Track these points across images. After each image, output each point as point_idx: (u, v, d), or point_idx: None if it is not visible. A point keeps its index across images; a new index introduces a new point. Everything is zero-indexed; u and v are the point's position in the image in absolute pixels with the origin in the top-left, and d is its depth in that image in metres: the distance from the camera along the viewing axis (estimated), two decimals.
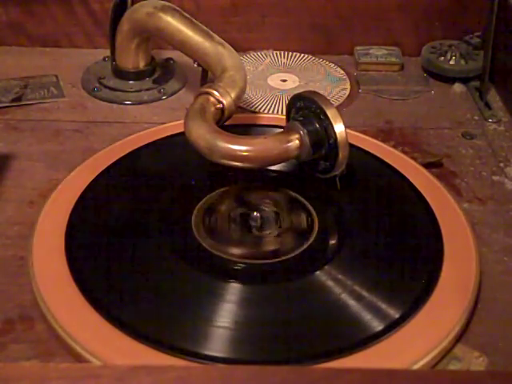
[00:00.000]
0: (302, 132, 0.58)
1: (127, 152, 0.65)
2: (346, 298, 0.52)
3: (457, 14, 0.83)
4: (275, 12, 0.83)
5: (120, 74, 0.78)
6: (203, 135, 0.57)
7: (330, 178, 0.60)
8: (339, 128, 0.57)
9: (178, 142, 0.64)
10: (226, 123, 0.62)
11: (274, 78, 0.80)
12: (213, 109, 0.60)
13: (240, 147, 0.56)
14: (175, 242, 0.56)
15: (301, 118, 0.59)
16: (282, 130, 0.61)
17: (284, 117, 0.63)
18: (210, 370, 0.41)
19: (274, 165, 0.61)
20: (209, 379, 0.37)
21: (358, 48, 0.84)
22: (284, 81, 0.80)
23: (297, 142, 0.58)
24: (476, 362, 0.48)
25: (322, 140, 0.58)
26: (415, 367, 0.47)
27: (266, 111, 0.74)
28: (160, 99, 0.76)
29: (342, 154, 0.57)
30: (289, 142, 0.58)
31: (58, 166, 0.65)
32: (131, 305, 0.51)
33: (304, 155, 0.58)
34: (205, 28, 0.69)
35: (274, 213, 0.60)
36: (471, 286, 0.53)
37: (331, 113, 0.57)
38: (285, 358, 0.48)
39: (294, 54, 0.84)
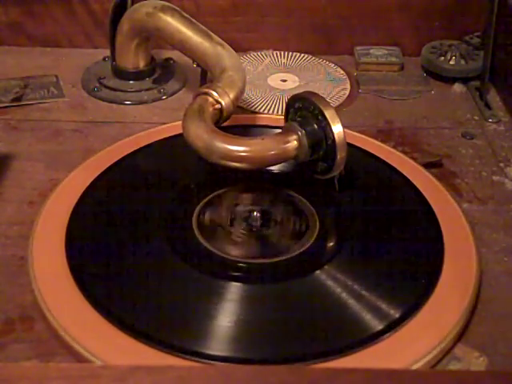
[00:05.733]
0: (300, 133, 0.58)
1: (127, 152, 0.65)
2: (346, 297, 0.52)
3: (457, 14, 0.83)
4: (275, 12, 0.83)
5: (120, 74, 0.78)
6: (201, 136, 0.57)
7: (329, 178, 0.60)
8: (337, 129, 0.57)
9: (178, 142, 0.64)
10: (226, 123, 0.62)
11: (273, 78, 0.80)
12: (211, 109, 0.60)
13: (238, 148, 0.56)
14: (176, 242, 0.56)
15: (299, 119, 0.59)
16: (281, 130, 0.61)
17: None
18: (209, 369, 0.41)
19: (272, 165, 0.61)
20: (209, 379, 0.37)
21: (358, 48, 0.84)
22: (284, 81, 0.80)
23: (295, 142, 0.58)
24: (476, 362, 0.48)
25: (321, 141, 0.58)
26: (415, 367, 0.47)
27: (265, 111, 0.74)
28: (160, 99, 0.76)
29: (341, 154, 0.57)
30: (287, 142, 0.58)
31: (58, 166, 0.65)
32: (131, 305, 0.51)
33: (302, 156, 0.58)
34: (204, 28, 0.69)
35: (274, 213, 0.60)
36: (471, 286, 0.53)
37: (329, 113, 0.57)
38: (285, 357, 0.48)
39: (294, 54, 0.84)
